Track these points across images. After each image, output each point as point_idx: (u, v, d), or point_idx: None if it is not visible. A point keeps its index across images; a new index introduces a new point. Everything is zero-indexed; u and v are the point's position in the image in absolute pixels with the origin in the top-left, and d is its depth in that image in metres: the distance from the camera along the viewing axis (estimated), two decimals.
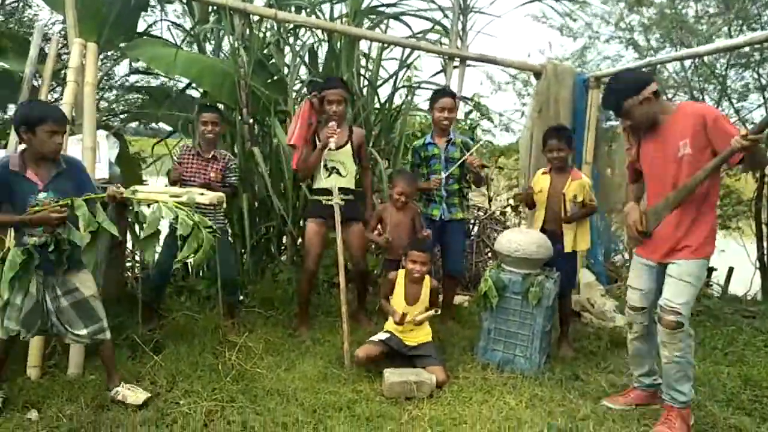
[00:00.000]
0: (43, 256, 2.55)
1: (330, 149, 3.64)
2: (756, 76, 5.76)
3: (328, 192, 3.75)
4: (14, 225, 2.68)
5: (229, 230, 3.97)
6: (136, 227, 2.77)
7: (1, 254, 2.56)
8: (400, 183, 3.74)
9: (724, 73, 5.92)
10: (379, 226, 3.87)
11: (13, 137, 3.27)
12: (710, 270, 6.17)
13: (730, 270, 6.20)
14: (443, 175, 3.91)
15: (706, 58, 5.88)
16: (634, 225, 2.76)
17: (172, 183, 3.76)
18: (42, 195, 2.56)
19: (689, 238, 2.59)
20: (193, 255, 2.65)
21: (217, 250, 3.74)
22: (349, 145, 3.83)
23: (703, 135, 2.48)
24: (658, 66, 5.72)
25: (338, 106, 3.73)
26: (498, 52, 4.83)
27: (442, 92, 4.07)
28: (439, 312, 3.45)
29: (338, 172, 3.80)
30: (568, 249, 3.59)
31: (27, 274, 2.55)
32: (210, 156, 3.80)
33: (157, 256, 3.35)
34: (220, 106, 4.80)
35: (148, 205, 2.75)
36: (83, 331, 2.73)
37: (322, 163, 3.75)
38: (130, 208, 2.75)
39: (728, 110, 6.03)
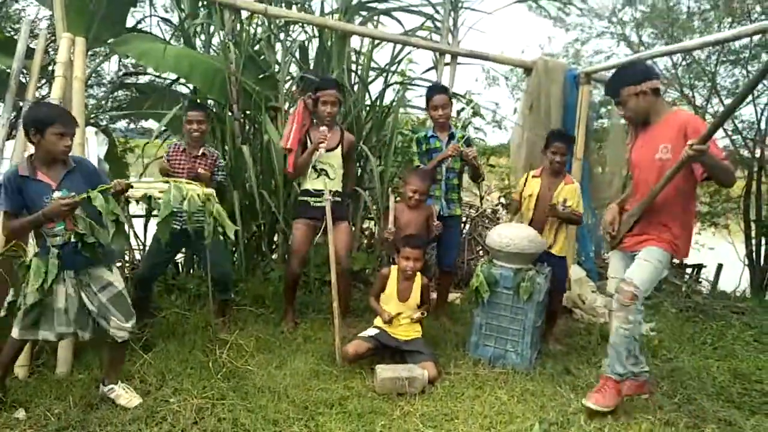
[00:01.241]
0: (68, 255, 2.55)
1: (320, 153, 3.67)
2: (745, 73, 5.81)
3: (315, 193, 3.76)
4: (31, 227, 2.60)
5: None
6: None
7: (28, 261, 2.55)
8: (413, 180, 3.65)
9: (714, 70, 5.96)
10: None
11: (20, 138, 3.22)
12: (699, 267, 6.25)
13: (719, 267, 6.26)
14: (459, 143, 3.88)
15: (697, 56, 5.94)
16: (608, 227, 2.93)
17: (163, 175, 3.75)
18: (57, 194, 2.51)
19: (658, 233, 2.74)
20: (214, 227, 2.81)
21: (208, 248, 3.76)
22: (339, 149, 3.83)
23: (683, 142, 2.53)
24: (650, 62, 5.75)
25: (332, 108, 3.73)
26: (491, 48, 4.85)
27: (434, 89, 4.07)
28: (425, 314, 3.44)
29: (327, 174, 3.79)
30: (553, 250, 3.64)
31: (54, 276, 2.52)
32: (199, 153, 3.78)
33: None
34: (210, 102, 4.79)
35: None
36: (127, 324, 2.72)
37: (311, 165, 3.74)
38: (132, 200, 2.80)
39: (718, 107, 6.08)
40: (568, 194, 3.57)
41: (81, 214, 2.54)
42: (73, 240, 2.53)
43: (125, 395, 2.76)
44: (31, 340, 2.73)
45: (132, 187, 2.69)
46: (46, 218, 2.48)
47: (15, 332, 2.63)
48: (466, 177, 4.34)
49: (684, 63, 6.14)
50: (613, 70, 3.11)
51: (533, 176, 3.75)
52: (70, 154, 2.64)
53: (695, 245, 6.95)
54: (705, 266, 6.24)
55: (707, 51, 5.83)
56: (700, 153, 2.40)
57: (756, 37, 5.52)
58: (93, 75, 5.28)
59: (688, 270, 6.21)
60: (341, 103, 3.85)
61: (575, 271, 4.71)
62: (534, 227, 3.58)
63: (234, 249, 4.76)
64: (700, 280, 6.09)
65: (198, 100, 4.45)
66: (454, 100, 5.10)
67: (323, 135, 3.63)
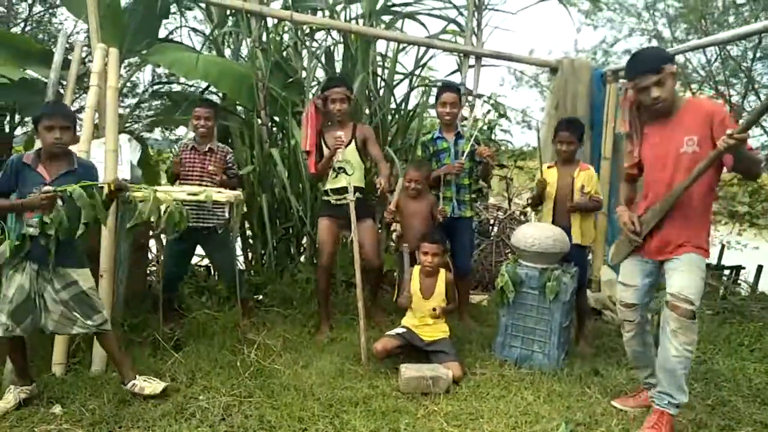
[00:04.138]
0: (35, 247, 2.62)
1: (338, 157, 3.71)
2: None
3: (337, 192, 3.80)
4: (8, 210, 2.68)
5: (231, 228, 4.01)
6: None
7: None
8: (409, 170, 3.80)
9: (750, 66, 5.79)
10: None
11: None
12: (738, 269, 6.04)
13: (759, 268, 6.05)
14: (463, 157, 3.87)
15: (732, 52, 5.78)
16: (629, 225, 2.67)
17: (170, 181, 3.85)
18: (45, 188, 2.58)
19: (690, 238, 2.52)
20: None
21: (216, 249, 3.83)
22: (353, 143, 3.84)
23: (710, 133, 2.42)
24: (683, 59, 5.63)
25: (341, 104, 3.75)
26: (518, 48, 4.84)
27: (444, 87, 4.08)
28: (448, 305, 3.42)
29: (345, 172, 3.81)
30: (576, 240, 3.54)
31: (18, 262, 2.62)
32: (206, 149, 3.86)
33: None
34: (239, 108, 4.90)
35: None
36: (89, 321, 2.76)
37: (330, 166, 3.79)
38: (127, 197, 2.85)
39: (755, 104, 5.90)
40: (584, 180, 3.53)
41: (60, 209, 2.57)
42: (38, 230, 2.58)
43: (148, 385, 2.84)
44: None
45: (127, 189, 2.75)
46: (24, 207, 2.58)
47: None
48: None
49: (719, 59, 5.98)
50: None
51: (548, 167, 3.71)
52: (79, 156, 2.78)
53: (736, 246, 6.75)
54: (744, 268, 6.04)
55: (743, 46, 5.67)
56: (742, 142, 2.21)
57: None
58: (127, 84, 5.47)
59: (726, 271, 6.02)
60: (350, 99, 3.85)
61: (605, 273, 4.63)
62: (556, 218, 3.56)
63: (263, 252, 4.86)
64: (738, 281, 5.89)
65: (206, 99, 4.55)
66: (479, 102, 5.11)
67: (339, 140, 3.66)
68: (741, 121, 2.31)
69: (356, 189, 3.73)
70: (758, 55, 5.69)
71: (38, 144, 2.76)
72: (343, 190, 3.70)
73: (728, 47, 5.72)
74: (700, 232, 2.55)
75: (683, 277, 2.48)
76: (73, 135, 2.77)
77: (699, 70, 6.06)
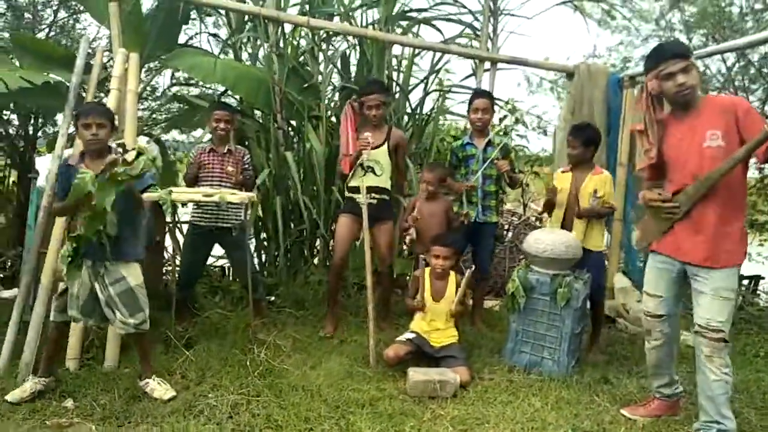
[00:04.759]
0: (86, 245, 2.71)
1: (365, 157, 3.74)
2: None
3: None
4: (66, 211, 2.89)
5: (249, 229, 4.07)
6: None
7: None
8: (426, 173, 3.84)
9: None
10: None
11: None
12: (758, 279, 5.91)
13: None
14: (474, 177, 3.91)
15: (752, 58, 5.69)
16: (658, 196, 2.53)
17: (188, 182, 3.91)
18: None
19: (720, 241, 2.40)
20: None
21: (235, 250, 3.88)
22: (385, 145, 3.87)
23: (734, 126, 2.35)
24: (702, 65, 5.57)
25: (377, 111, 3.80)
26: (535, 53, 4.82)
27: (477, 93, 4.13)
28: (462, 306, 3.42)
29: (373, 171, 3.84)
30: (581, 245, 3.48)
31: (76, 262, 2.73)
32: (225, 151, 3.92)
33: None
34: (256, 112, 4.96)
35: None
36: (130, 320, 2.85)
37: (358, 162, 3.82)
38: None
39: None
40: (597, 185, 3.45)
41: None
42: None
43: (159, 388, 2.89)
44: (60, 322, 2.90)
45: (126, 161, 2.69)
46: (70, 203, 2.67)
47: (51, 314, 2.90)
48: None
49: (739, 65, 5.89)
50: None
51: (562, 172, 3.68)
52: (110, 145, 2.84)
53: (758, 257, 6.61)
54: (763, 278, 5.91)
55: (763, 52, 5.58)
56: None
57: None
58: (147, 89, 5.57)
59: (745, 282, 5.89)
60: (387, 104, 3.88)
61: (619, 280, 4.58)
62: (566, 222, 3.54)
63: (276, 253, 4.90)
64: (757, 292, 5.76)
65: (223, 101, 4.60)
66: (497, 108, 5.10)
67: (365, 141, 3.69)
68: None
69: (382, 190, 3.79)
70: None
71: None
72: (369, 190, 3.70)
73: (747, 53, 5.63)
74: (732, 230, 2.42)
75: (712, 305, 2.41)
76: (109, 132, 2.86)
77: (717, 76, 5.97)
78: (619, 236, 4.69)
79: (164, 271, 4.76)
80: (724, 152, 2.36)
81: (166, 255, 4.74)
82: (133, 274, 2.89)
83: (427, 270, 3.48)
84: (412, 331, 3.43)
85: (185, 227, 4.75)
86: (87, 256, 2.77)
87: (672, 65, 2.42)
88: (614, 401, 2.97)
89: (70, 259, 2.69)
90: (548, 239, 3.39)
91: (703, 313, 2.43)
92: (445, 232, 3.61)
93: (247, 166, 4.03)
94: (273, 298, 4.45)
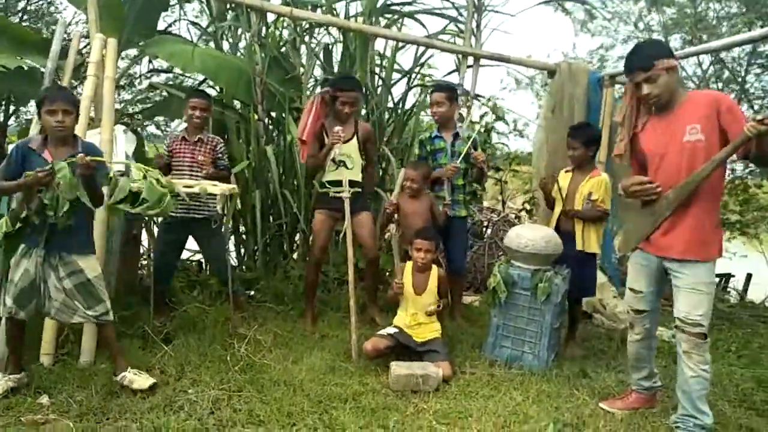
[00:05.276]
0: (41, 233, 2.64)
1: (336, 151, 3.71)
2: None
3: (335, 184, 3.79)
4: (11, 191, 2.76)
5: (223, 221, 3.98)
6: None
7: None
8: (408, 171, 3.82)
9: (743, 75, 5.85)
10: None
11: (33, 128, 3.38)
12: (728, 276, 6.09)
13: (748, 276, 6.10)
14: (458, 160, 3.91)
15: (726, 61, 5.83)
16: (638, 184, 2.55)
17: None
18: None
19: (696, 236, 2.45)
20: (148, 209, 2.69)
21: (209, 242, 3.83)
22: (355, 139, 3.86)
23: (716, 121, 2.36)
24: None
25: (351, 108, 3.77)
26: (517, 51, 4.85)
27: (435, 87, 4.14)
28: (440, 307, 3.42)
29: (345, 165, 3.82)
30: (578, 246, 3.52)
31: (26, 249, 2.67)
32: (196, 139, 3.85)
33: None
34: (236, 103, 4.88)
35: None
36: (90, 312, 2.78)
37: (330, 157, 3.79)
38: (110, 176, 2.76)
39: (748, 113, 5.95)
40: (593, 187, 3.47)
41: (58, 191, 2.55)
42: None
43: (138, 378, 2.83)
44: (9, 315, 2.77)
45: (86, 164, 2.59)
46: (25, 186, 2.57)
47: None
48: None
49: (713, 68, 6.03)
50: None
51: (565, 171, 3.70)
52: (84, 140, 2.78)
53: (725, 254, 6.81)
54: (734, 276, 6.09)
55: (736, 55, 5.73)
56: None
57: None
58: (124, 77, 5.44)
59: (716, 279, 6.06)
60: (361, 101, 3.86)
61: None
62: (562, 222, 3.57)
63: (255, 248, 4.85)
64: (728, 289, 5.94)
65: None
66: (477, 103, 5.13)
67: (336, 136, 3.66)
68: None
69: (355, 183, 3.77)
70: (752, 62, 5.75)
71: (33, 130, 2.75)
72: (341, 183, 3.70)
73: (723, 56, 5.78)
74: (708, 225, 2.46)
75: (690, 299, 2.46)
76: (75, 119, 2.77)
77: (693, 78, 6.11)
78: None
79: (140, 265, 4.67)
80: (704, 146, 2.39)
81: (141, 249, 4.65)
82: (90, 266, 2.81)
83: (409, 264, 3.48)
84: (395, 326, 3.43)
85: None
86: (39, 245, 2.68)
87: (637, 77, 2.50)
88: (593, 394, 3.02)
89: (6, 239, 2.60)
90: (529, 235, 3.43)
91: (681, 307, 2.48)
92: (428, 226, 3.62)
93: (220, 155, 3.95)
94: (252, 293, 4.40)
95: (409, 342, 3.35)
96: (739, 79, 5.85)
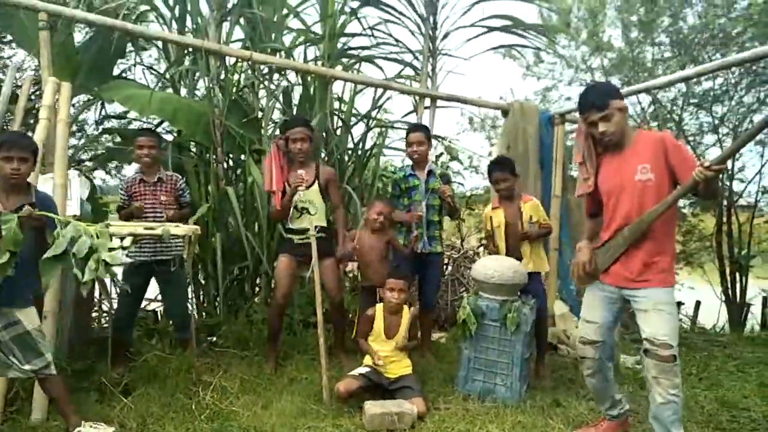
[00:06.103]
0: None
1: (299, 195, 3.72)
2: (711, 116, 6.11)
3: (300, 232, 3.76)
4: None
5: (185, 263, 3.86)
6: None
7: None
8: (378, 205, 3.83)
9: (680, 114, 6.26)
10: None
11: None
12: (679, 303, 6.32)
13: (697, 304, 6.37)
14: (420, 207, 3.97)
15: (663, 101, 6.24)
16: (581, 266, 2.70)
17: (126, 219, 3.72)
18: None
19: (652, 265, 2.51)
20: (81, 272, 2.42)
21: (170, 284, 3.73)
22: (316, 184, 3.85)
23: (663, 160, 2.48)
24: None
25: (302, 144, 3.76)
26: (470, 92, 5.02)
27: (412, 127, 4.22)
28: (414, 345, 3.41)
29: (308, 212, 3.81)
30: (530, 268, 3.61)
31: None
32: (155, 179, 3.78)
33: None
34: (193, 146, 4.82)
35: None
36: (27, 366, 2.61)
37: (292, 205, 3.78)
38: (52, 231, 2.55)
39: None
40: (531, 211, 3.67)
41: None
42: None
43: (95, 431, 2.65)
44: None
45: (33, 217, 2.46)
46: None
47: None
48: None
49: (652, 107, 6.44)
50: None
51: (493, 208, 3.81)
52: (38, 189, 2.66)
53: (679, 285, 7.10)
54: (683, 303, 6.33)
55: (673, 94, 6.16)
56: (720, 173, 2.26)
57: (718, 81, 5.87)
58: (76, 123, 5.31)
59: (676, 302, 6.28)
60: (311, 139, 3.88)
61: (558, 307, 4.75)
62: (510, 252, 3.66)
63: (216, 292, 4.71)
64: (679, 316, 6.15)
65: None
66: (435, 143, 5.26)
67: (299, 178, 3.66)
68: (720, 154, 2.38)
69: (319, 228, 3.73)
70: (687, 101, 6.17)
71: None
72: (306, 230, 3.67)
73: (660, 96, 6.19)
74: (664, 255, 2.53)
75: (654, 320, 2.46)
76: (32, 166, 2.66)
77: (634, 117, 6.49)
78: (556, 266, 4.88)
79: (93, 316, 4.45)
80: (654, 185, 2.49)
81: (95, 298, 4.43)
82: (29, 317, 2.65)
83: (379, 308, 3.46)
84: (366, 365, 3.37)
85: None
86: None
87: (592, 115, 2.57)
88: (568, 423, 3.03)
89: None
90: (495, 265, 3.48)
91: (647, 329, 2.48)
92: (399, 265, 3.62)
93: (182, 192, 3.90)
94: (215, 339, 4.24)
95: (381, 380, 3.30)
96: (676, 117, 6.24)
